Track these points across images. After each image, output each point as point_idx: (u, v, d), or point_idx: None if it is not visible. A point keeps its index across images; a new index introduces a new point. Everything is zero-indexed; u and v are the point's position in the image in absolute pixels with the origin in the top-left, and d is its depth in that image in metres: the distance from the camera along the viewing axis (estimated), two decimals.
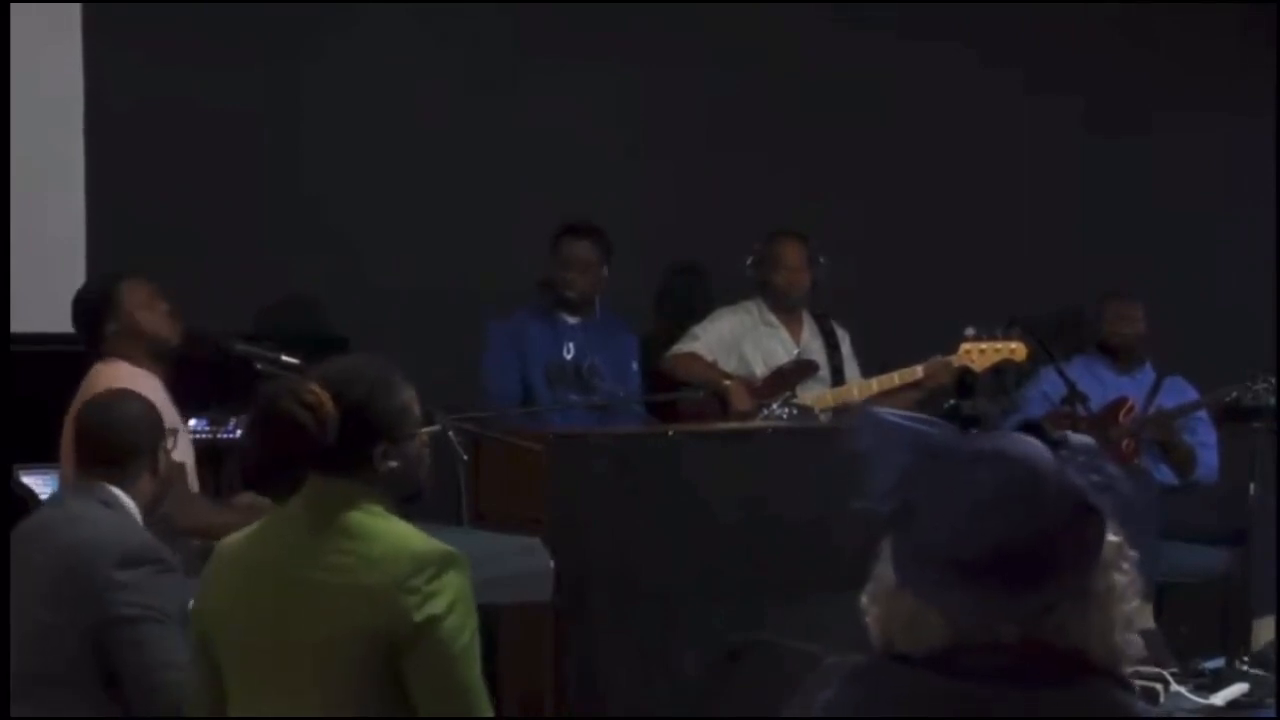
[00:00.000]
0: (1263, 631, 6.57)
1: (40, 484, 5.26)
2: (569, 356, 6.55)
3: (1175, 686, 5.25)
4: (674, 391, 6.65)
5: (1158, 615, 6.57)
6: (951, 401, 6.39)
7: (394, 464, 3.29)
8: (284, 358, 5.21)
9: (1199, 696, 5.27)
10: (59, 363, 5.41)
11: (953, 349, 6.66)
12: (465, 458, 5.44)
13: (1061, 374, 6.81)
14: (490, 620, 5.77)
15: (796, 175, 7.34)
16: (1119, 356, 7.32)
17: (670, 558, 5.65)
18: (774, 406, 6.33)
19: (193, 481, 5.10)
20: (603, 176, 7.00)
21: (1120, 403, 7.10)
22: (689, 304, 7.25)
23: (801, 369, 6.82)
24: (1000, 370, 6.78)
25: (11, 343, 5.68)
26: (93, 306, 5.32)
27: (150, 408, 4.20)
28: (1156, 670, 5.30)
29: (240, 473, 3.62)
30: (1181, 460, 7.12)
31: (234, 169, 6.52)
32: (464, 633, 3.19)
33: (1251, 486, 6.98)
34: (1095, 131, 8.01)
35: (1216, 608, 6.97)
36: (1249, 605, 6.73)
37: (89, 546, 3.91)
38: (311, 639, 3.19)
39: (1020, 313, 6.80)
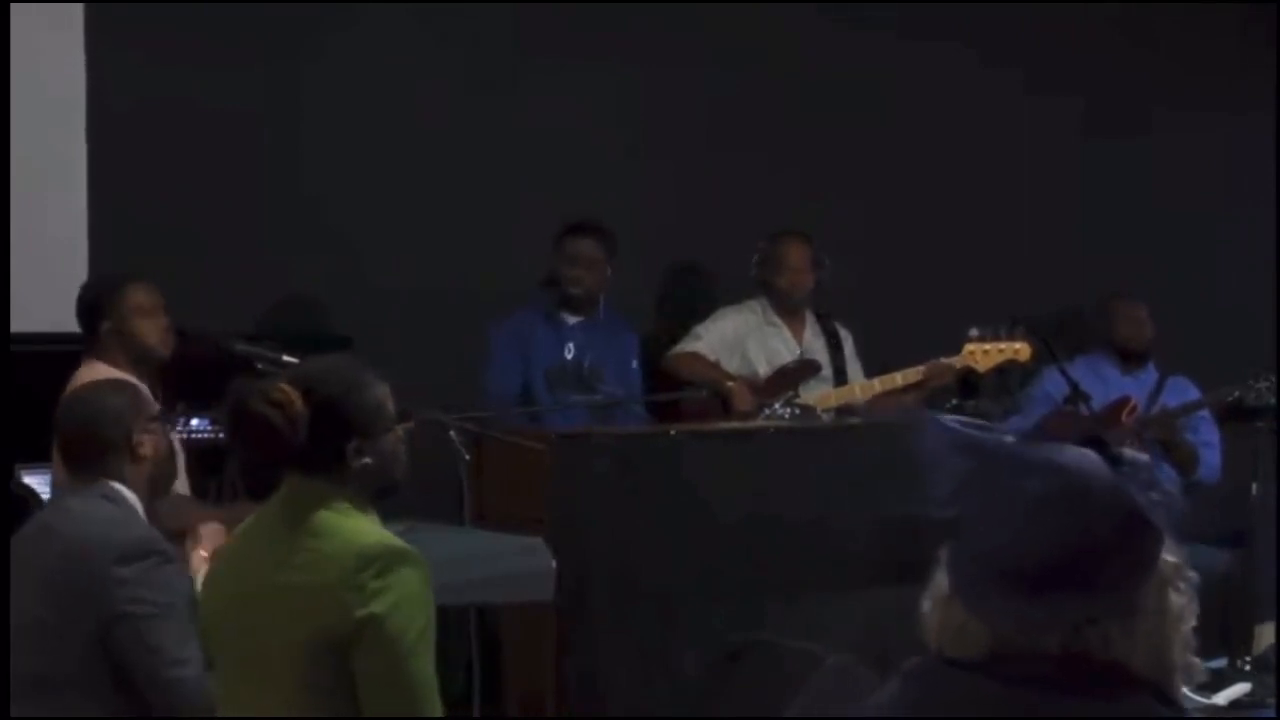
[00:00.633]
0: (1264, 636, 6.58)
1: (41, 484, 5.26)
2: (570, 357, 6.55)
3: None
4: (675, 391, 6.65)
5: None
6: (954, 401, 6.40)
7: (368, 460, 3.31)
8: (284, 358, 5.21)
9: (1201, 696, 5.28)
10: (59, 363, 5.42)
11: (953, 349, 6.66)
12: (467, 457, 5.44)
13: (1064, 374, 6.81)
14: (491, 620, 5.82)
15: (796, 175, 7.34)
16: (1126, 357, 7.31)
17: (671, 557, 5.64)
18: (776, 406, 6.32)
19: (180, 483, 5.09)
20: (603, 176, 7.00)
21: (1123, 402, 7.09)
22: (690, 304, 7.25)
23: (804, 369, 6.81)
24: (1003, 370, 6.79)
25: (11, 343, 5.67)
26: (93, 303, 5.35)
27: (118, 397, 4.16)
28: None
29: (241, 479, 3.66)
30: (1184, 460, 7.12)
31: (235, 169, 6.52)
32: (410, 629, 3.18)
33: (1254, 486, 6.99)
34: (1095, 132, 8.01)
35: (1218, 608, 6.96)
36: (1251, 607, 6.73)
37: (87, 544, 3.90)
38: (275, 639, 3.23)
39: (1020, 312, 6.80)
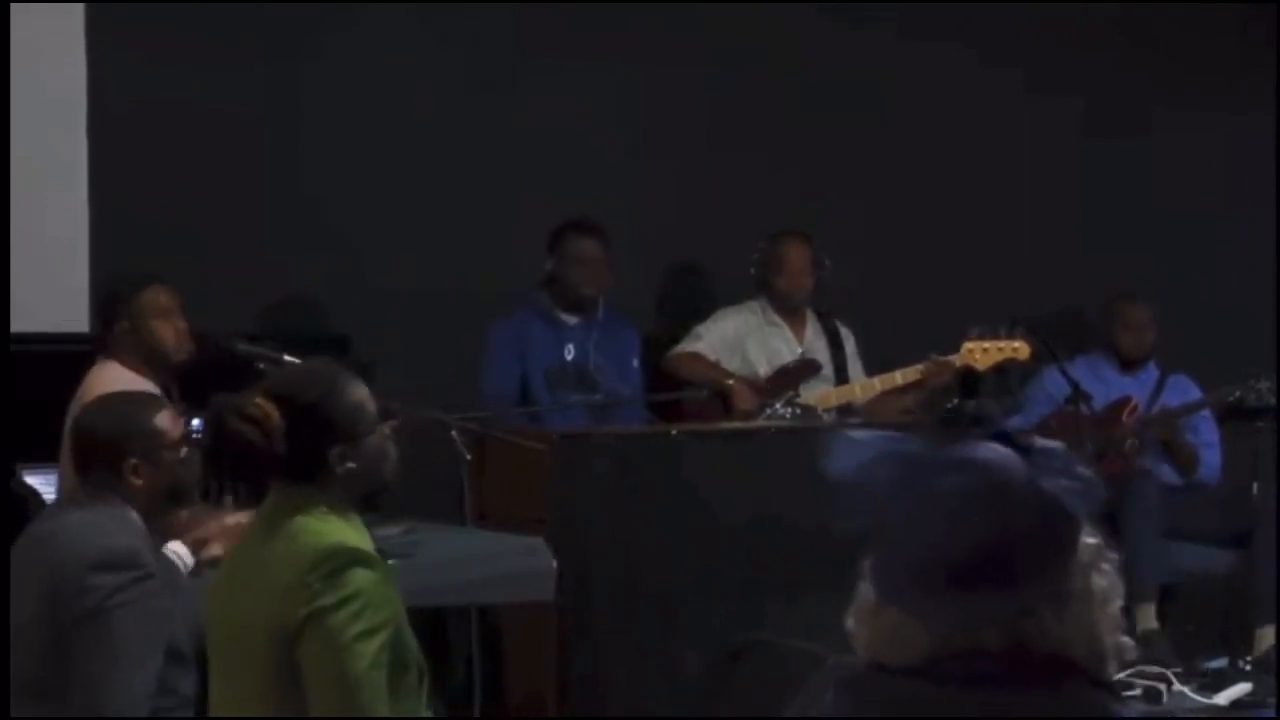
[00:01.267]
0: (1265, 639, 6.58)
1: (42, 484, 5.27)
2: (570, 357, 6.55)
3: (1178, 686, 5.27)
4: (676, 391, 6.65)
5: (1161, 615, 6.58)
6: (954, 401, 6.40)
7: (352, 465, 3.31)
8: (285, 358, 5.21)
9: (1202, 696, 5.28)
10: (59, 363, 5.43)
11: (953, 349, 6.66)
12: (468, 457, 5.45)
13: (1065, 374, 6.81)
14: (492, 620, 5.82)
15: (796, 175, 7.33)
16: (1126, 364, 7.30)
17: (672, 557, 5.65)
18: (776, 406, 6.32)
19: None
20: (603, 176, 7.00)
21: (1123, 402, 7.09)
22: (690, 304, 7.24)
23: (804, 368, 6.81)
24: (1004, 370, 6.79)
25: (12, 343, 5.67)
26: (111, 301, 5.39)
27: (131, 410, 4.14)
28: (1159, 670, 5.32)
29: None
30: (1185, 460, 7.11)
31: (235, 169, 6.51)
32: (353, 626, 3.17)
33: (1254, 486, 6.99)
34: (1095, 132, 8.00)
35: (1219, 608, 6.97)
36: (1251, 608, 6.73)
37: (69, 551, 3.90)
38: (244, 639, 3.26)
39: (1020, 312, 6.80)
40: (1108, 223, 7.93)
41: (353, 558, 3.23)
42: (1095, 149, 7.99)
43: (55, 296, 5.96)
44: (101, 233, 6.23)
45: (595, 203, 6.71)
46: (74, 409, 4.89)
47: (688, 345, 6.83)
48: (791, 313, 6.94)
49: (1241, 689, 5.41)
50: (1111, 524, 2.22)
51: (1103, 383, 7.14)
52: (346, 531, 3.29)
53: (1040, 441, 2.14)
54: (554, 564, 5.03)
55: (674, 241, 7.19)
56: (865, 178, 7.51)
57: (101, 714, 3.77)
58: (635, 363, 6.73)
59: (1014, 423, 6.76)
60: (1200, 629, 6.63)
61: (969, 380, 6.61)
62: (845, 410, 6.66)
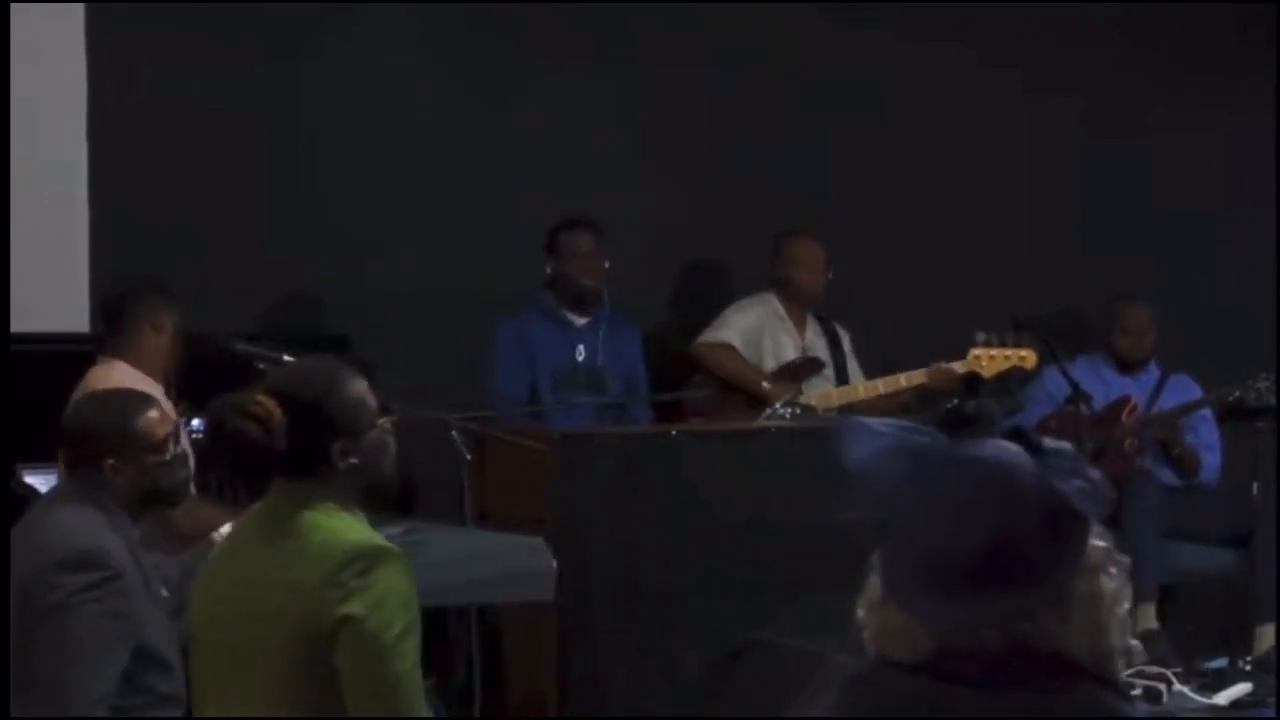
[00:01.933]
0: (1265, 638, 6.57)
1: (42, 483, 5.26)
2: (581, 359, 6.54)
3: (1178, 686, 5.27)
4: (684, 384, 6.67)
5: (1161, 615, 6.57)
6: (954, 400, 6.39)
7: (354, 460, 3.31)
8: (285, 357, 5.21)
9: (1202, 696, 5.28)
10: (59, 363, 5.43)
11: (953, 348, 6.65)
12: (468, 457, 5.45)
13: (1065, 374, 6.80)
14: (492, 620, 5.82)
15: (796, 175, 7.33)
16: (1125, 366, 7.29)
17: (672, 557, 5.65)
18: (777, 406, 6.32)
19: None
20: (602, 177, 7.00)
21: (1123, 402, 7.08)
22: (691, 305, 7.24)
23: (808, 365, 6.81)
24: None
25: (12, 343, 5.67)
26: (116, 306, 5.45)
27: (115, 410, 4.12)
28: (1160, 670, 5.32)
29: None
30: (1186, 465, 7.10)
31: (236, 169, 6.52)
32: (392, 627, 3.17)
33: (1254, 486, 6.99)
34: (1095, 132, 8.00)
35: (1220, 608, 6.97)
36: (1251, 608, 6.73)
37: (39, 548, 3.90)
38: (258, 638, 3.23)
39: (1021, 313, 6.79)
40: (1108, 223, 7.93)
41: (384, 555, 3.23)
42: (1095, 149, 7.99)
43: (55, 296, 5.97)
44: (101, 233, 6.24)
45: (595, 203, 6.71)
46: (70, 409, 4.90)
47: (717, 334, 6.77)
48: (796, 311, 6.94)
49: (1241, 689, 5.40)
50: (1112, 524, 2.20)
51: (1103, 383, 7.14)
52: (359, 528, 3.29)
53: (1051, 442, 2.12)
54: (554, 564, 5.02)
55: (673, 241, 7.19)
56: (865, 178, 7.51)
57: (58, 711, 3.76)
58: (640, 364, 6.73)
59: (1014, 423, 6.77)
60: (1200, 629, 6.62)
61: (972, 381, 6.60)
62: (846, 410, 6.65)
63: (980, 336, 6.61)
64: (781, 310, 6.93)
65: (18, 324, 5.73)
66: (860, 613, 2.17)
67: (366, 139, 6.75)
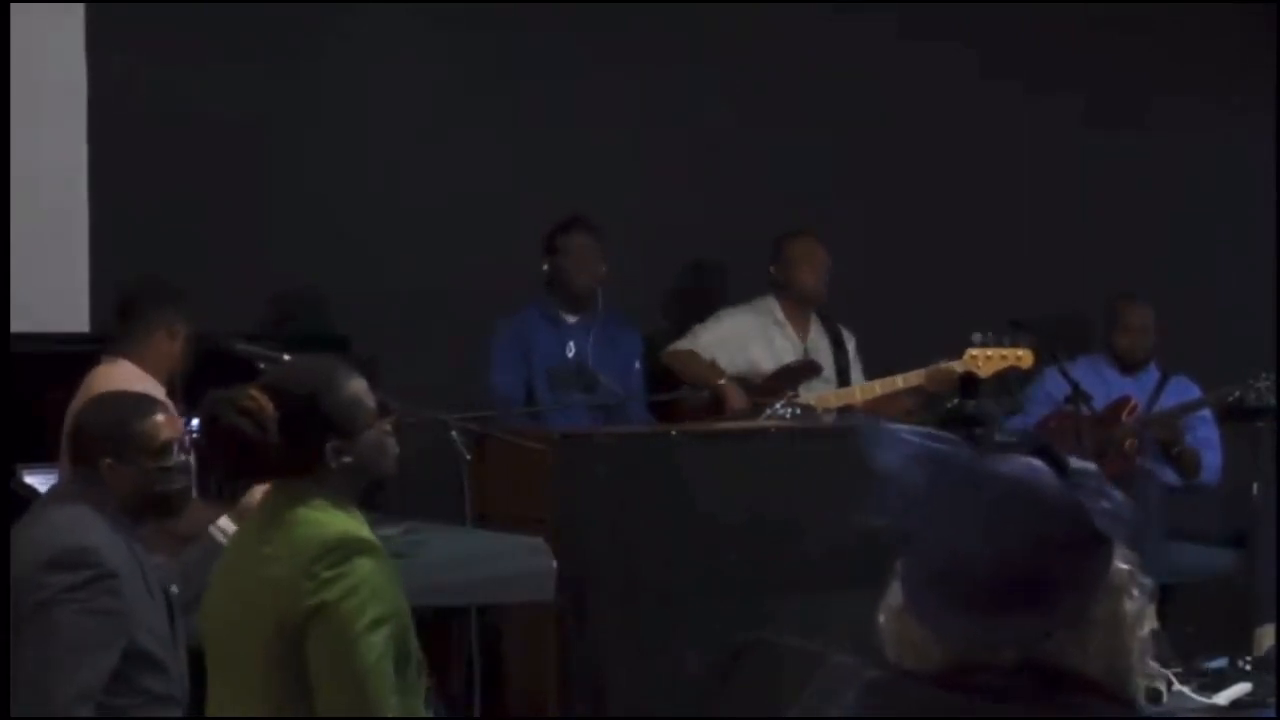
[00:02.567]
0: (1265, 639, 6.57)
1: (42, 483, 5.26)
2: (570, 356, 6.55)
3: (1178, 686, 5.26)
4: (676, 389, 6.66)
5: (1161, 615, 6.56)
6: (954, 401, 6.39)
7: (348, 459, 3.30)
8: (284, 357, 5.21)
9: (1202, 696, 5.28)
10: (59, 363, 5.43)
11: (953, 349, 6.65)
12: (468, 457, 5.45)
13: (1065, 374, 6.80)
14: (492, 619, 5.82)
15: (797, 176, 7.33)
16: (1128, 361, 7.29)
17: (672, 557, 5.64)
18: (777, 406, 6.32)
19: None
20: (603, 176, 7.00)
21: (1123, 402, 7.09)
22: (692, 305, 7.24)
23: (805, 369, 6.81)
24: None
25: (12, 343, 5.67)
26: (133, 308, 5.43)
27: (117, 411, 4.12)
28: (1160, 670, 5.31)
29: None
30: (1187, 466, 7.10)
31: (235, 169, 6.52)
32: (362, 616, 3.16)
33: (1254, 486, 6.99)
34: (1095, 131, 8.00)
35: (1220, 607, 6.96)
36: (1251, 608, 6.73)
37: (31, 546, 3.91)
38: (246, 633, 3.25)
39: (1021, 313, 6.79)
40: (1108, 223, 7.93)
41: (356, 547, 3.22)
42: (1095, 149, 7.99)
43: (55, 296, 5.96)
44: (101, 233, 6.24)
45: (595, 203, 6.71)
46: (74, 406, 4.91)
47: (683, 343, 6.85)
48: (798, 313, 6.94)
49: (1241, 689, 5.40)
50: None
51: (1103, 383, 7.14)
52: (348, 523, 3.29)
53: (1077, 461, 2.08)
54: (554, 564, 5.02)
55: (673, 241, 7.19)
56: (865, 178, 7.51)
57: (39, 709, 3.76)
58: (637, 364, 6.73)
59: (1014, 423, 6.77)
60: (1200, 629, 6.61)
61: (969, 381, 6.60)
62: (845, 412, 6.65)
63: (977, 337, 6.61)
64: (781, 313, 6.93)
65: (18, 324, 5.72)
66: (880, 618, 2.15)
67: (366, 138, 6.75)
